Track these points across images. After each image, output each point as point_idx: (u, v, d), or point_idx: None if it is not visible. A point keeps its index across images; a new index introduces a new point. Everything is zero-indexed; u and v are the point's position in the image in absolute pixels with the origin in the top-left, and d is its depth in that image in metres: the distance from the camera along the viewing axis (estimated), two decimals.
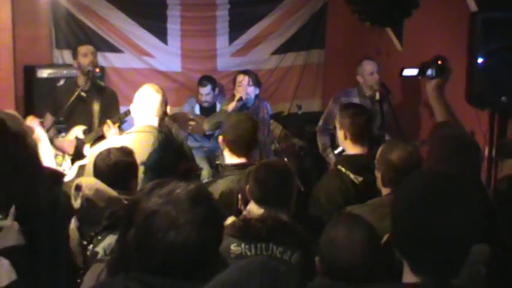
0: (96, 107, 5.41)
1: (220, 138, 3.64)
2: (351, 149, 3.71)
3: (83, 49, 5.52)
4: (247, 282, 1.44)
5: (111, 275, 1.99)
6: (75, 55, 5.54)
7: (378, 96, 5.70)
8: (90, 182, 3.16)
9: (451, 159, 2.71)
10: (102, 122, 5.11)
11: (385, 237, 2.29)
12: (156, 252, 1.67)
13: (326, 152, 5.63)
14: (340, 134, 3.74)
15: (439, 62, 3.63)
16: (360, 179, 3.51)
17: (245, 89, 6.26)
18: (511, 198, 2.80)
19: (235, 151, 3.52)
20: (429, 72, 3.59)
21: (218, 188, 3.36)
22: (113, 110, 5.39)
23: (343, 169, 3.58)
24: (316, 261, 2.31)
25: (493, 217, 2.67)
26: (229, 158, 3.55)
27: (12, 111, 4.24)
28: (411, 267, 1.64)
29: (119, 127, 4.94)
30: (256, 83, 6.47)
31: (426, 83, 3.66)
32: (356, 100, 5.79)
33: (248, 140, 3.53)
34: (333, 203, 3.41)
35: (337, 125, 3.80)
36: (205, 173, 6.23)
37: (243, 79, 6.32)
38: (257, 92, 6.45)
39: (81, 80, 5.46)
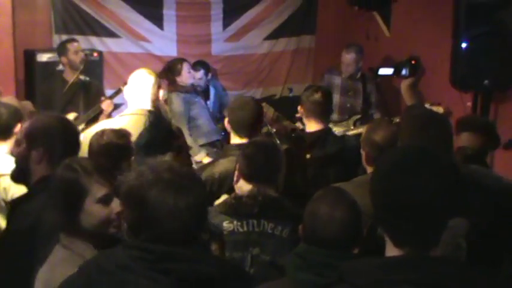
0: (81, 102, 5.56)
1: (226, 120, 3.71)
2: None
3: (74, 46, 5.62)
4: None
5: None
6: (63, 52, 5.67)
7: (359, 74, 6.07)
8: None
9: (422, 134, 2.81)
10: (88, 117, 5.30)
11: None
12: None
13: None
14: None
15: (413, 62, 3.81)
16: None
17: None
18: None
19: (238, 132, 3.58)
20: (403, 71, 3.79)
21: (218, 167, 3.44)
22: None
23: None
24: (299, 228, 2.38)
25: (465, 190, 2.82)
26: (233, 139, 3.62)
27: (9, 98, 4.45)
28: (392, 240, 1.65)
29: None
30: None
31: (401, 81, 3.84)
32: (338, 78, 6.22)
33: (251, 121, 3.59)
34: None
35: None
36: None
37: None
38: None
39: (70, 75, 5.62)
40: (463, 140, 3.20)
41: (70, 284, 1.89)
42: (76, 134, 2.97)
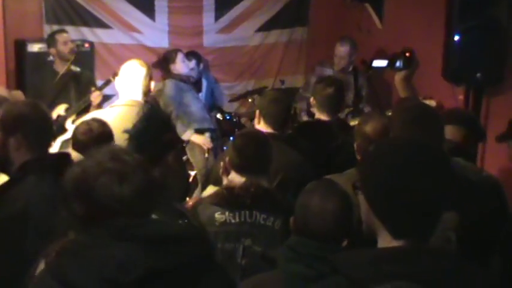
0: (72, 93, 5.53)
1: (257, 111, 3.73)
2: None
3: (63, 37, 5.62)
4: None
5: None
6: (52, 43, 5.64)
7: (350, 68, 6.10)
8: (74, 156, 3.12)
9: (413, 127, 2.80)
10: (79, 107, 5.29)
11: None
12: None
13: (300, 116, 5.87)
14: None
15: (407, 54, 3.80)
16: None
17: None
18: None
19: (269, 124, 3.64)
20: (397, 64, 3.76)
21: None
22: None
23: None
24: (290, 220, 2.39)
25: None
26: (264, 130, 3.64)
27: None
28: (392, 232, 1.65)
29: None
30: None
31: (395, 74, 3.84)
32: (329, 71, 6.17)
33: (283, 114, 3.68)
34: None
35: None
36: None
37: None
38: None
39: (60, 66, 5.60)
40: (446, 132, 3.21)
41: (40, 279, 1.85)
42: (48, 116, 2.95)
